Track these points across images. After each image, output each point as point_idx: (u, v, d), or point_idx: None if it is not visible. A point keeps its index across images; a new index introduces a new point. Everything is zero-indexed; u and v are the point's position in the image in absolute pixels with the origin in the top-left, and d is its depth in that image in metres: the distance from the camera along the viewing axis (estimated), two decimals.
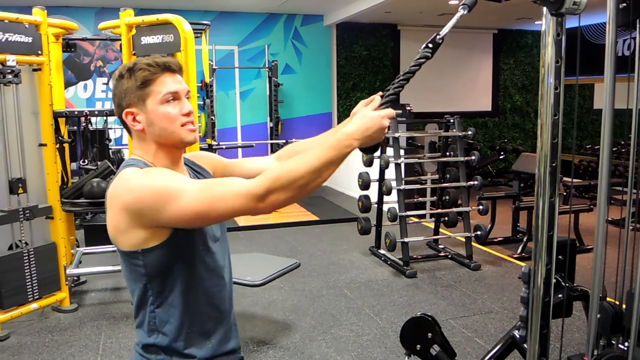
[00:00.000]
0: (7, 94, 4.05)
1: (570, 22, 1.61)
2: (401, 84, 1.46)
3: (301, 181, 1.31)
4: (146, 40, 4.17)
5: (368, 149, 1.43)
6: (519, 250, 5.93)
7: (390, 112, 1.41)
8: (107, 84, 9.15)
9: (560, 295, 2.29)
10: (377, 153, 5.63)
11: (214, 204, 1.32)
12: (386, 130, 1.39)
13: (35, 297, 4.21)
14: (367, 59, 10.48)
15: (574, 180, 8.04)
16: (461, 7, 1.50)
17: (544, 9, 1.50)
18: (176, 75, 1.48)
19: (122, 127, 6.76)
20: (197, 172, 1.65)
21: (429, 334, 2.45)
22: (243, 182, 1.34)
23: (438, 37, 1.48)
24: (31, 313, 4.26)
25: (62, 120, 4.53)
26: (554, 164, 1.52)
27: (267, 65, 9.67)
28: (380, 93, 1.47)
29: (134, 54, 4.26)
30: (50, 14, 4.28)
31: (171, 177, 1.39)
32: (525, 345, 2.27)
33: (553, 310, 1.85)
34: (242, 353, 1.69)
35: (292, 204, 1.36)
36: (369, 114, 1.39)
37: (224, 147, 7.56)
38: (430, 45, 1.48)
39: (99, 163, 4.64)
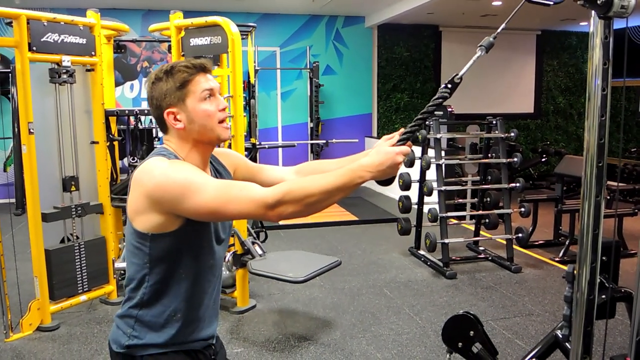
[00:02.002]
0: (62, 93, 4.22)
1: (618, 24, 1.63)
2: (418, 123, 1.55)
3: (311, 199, 1.42)
4: (195, 41, 4.29)
5: (383, 181, 1.52)
6: (560, 254, 5.87)
7: (406, 149, 1.49)
8: None
9: (603, 296, 2.30)
10: (418, 154, 5.67)
11: (228, 205, 1.44)
12: (400, 166, 1.48)
13: (85, 290, 4.38)
14: (408, 60, 10.47)
15: (620, 184, 7.89)
16: (479, 48, 1.57)
17: (592, 11, 1.52)
18: (209, 74, 1.62)
19: None
20: (217, 169, 1.77)
21: (471, 332, 2.48)
22: (258, 189, 1.46)
23: (456, 77, 1.54)
24: (80, 305, 4.42)
25: (112, 119, 4.69)
26: (600, 164, 1.54)
27: (308, 67, 9.77)
28: (402, 130, 1.55)
29: (183, 55, 4.38)
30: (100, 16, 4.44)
31: (193, 172, 1.50)
32: (567, 345, 2.29)
33: (597, 312, 1.86)
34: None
35: (300, 217, 1.47)
36: (385, 149, 1.47)
37: (266, 146, 7.67)
38: (450, 86, 1.54)
39: None
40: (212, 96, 1.59)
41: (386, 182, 1.52)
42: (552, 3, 1.53)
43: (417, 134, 1.52)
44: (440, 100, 1.53)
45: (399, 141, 1.51)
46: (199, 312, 1.68)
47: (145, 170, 1.52)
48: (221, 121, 1.60)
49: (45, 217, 4.03)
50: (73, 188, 4.27)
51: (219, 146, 1.82)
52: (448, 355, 2.55)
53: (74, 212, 4.25)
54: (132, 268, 1.62)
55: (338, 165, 1.73)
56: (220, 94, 1.65)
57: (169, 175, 1.48)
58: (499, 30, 1.54)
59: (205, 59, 1.63)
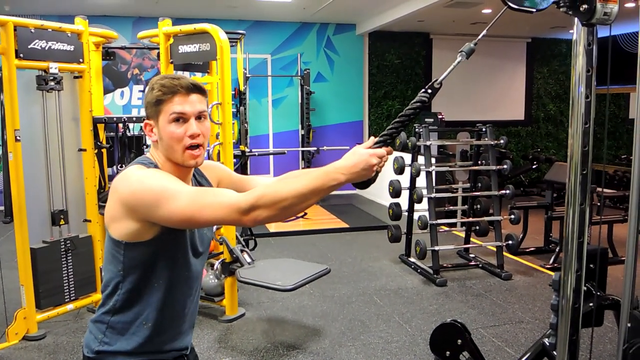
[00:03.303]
0: (50, 100, 4.19)
1: (604, 32, 1.63)
2: (396, 126, 1.52)
3: (284, 203, 1.40)
4: (183, 49, 4.28)
5: (359, 184, 1.50)
6: (551, 261, 5.87)
7: (380, 151, 1.46)
8: (143, 91, 9.36)
9: (590, 304, 2.29)
10: (408, 161, 5.67)
11: (202, 211, 1.43)
12: (375, 168, 1.45)
13: (72, 298, 4.33)
14: (399, 68, 10.51)
15: (609, 190, 7.92)
16: (459, 54, 1.57)
17: (575, 19, 1.52)
18: (189, 96, 1.56)
19: None
20: (200, 182, 1.76)
21: (459, 341, 2.47)
22: (232, 194, 1.45)
23: (436, 82, 1.54)
24: (67, 313, 4.37)
25: (101, 126, 4.66)
26: (584, 172, 1.54)
27: (299, 74, 9.78)
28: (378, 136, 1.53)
29: (171, 62, 4.37)
30: (89, 23, 4.42)
31: (169, 180, 1.49)
32: (555, 353, 2.28)
33: (584, 320, 1.85)
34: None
35: (276, 222, 1.46)
36: (359, 151, 1.46)
37: (256, 153, 7.66)
38: (429, 91, 1.53)
39: None
40: (182, 120, 1.55)
41: (362, 184, 1.50)
42: (534, 10, 1.53)
43: (396, 137, 1.50)
44: (419, 104, 1.51)
45: (375, 144, 1.49)
46: (172, 322, 1.67)
47: (122, 178, 1.53)
48: (188, 147, 1.57)
49: (35, 253, 4.02)
50: (62, 222, 4.31)
51: (209, 157, 1.79)
52: None
53: (63, 246, 4.25)
54: (107, 275, 1.62)
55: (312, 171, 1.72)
56: (203, 118, 1.60)
57: (144, 182, 1.48)
58: (480, 37, 1.54)
59: (188, 79, 1.59)
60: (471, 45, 1.53)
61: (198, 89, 1.59)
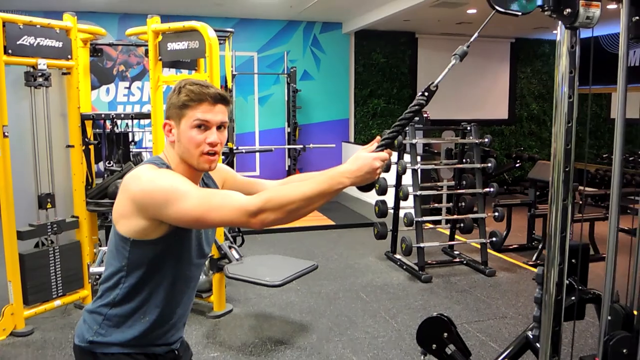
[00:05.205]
0: (38, 96, 4.19)
1: (586, 33, 1.68)
2: (396, 130, 1.59)
3: (291, 206, 1.45)
4: (172, 46, 4.29)
5: (363, 187, 1.57)
6: (534, 258, 5.98)
7: (384, 155, 1.53)
8: (128, 88, 9.33)
9: (572, 298, 2.36)
10: (394, 159, 5.73)
11: (210, 212, 1.47)
12: (378, 171, 1.51)
13: (59, 294, 4.34)
14: (385, 67, 10.57)
15: (591, 189, 8.05)
16: (453, 57, 1.63)
17: (559, 22, 1.58)
18: (215, 107, 1.61)
19: (143, 130, 6.82)
20: (207, 183, 1.81)
21: (445, 334, 2.53)
22: (240, 197, 1.50)
23: (432, 85, 1.59)
24: (54, 310, 4.38)
25: (88, 123, 4.66)
26: (567, 169, 1.60)
27: (285, 72, 9.79)
28: (378, 137, 1.60)
29: (160, 60, 4.38)
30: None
31: (179, 181, 1.54)
32: (538, 345, 2.35)
33: (566, 313, 1.92)
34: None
35: (282, 224, 1.50)
36: (363, 155, 1.52)
37: (243, 151, 7.67)
38: (426, 94, 1.59)
39: (123, 165, 4.76)
40: (205, 127, 1.60)
41: (366, 187, 1.56)
42: (520, 13, 1.58)
43: (393, 142, 1.57)
44: (417, 107, 1.57)
45: (377, 147, 1.55)
46: (168, 319, 1.72)
47: (133, 177, 1.57)
48: (205, 153, 1.61)
49: (21, 235, 4.01)
50: (49, 205, 4.27)
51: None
52: (422, 357, 2.59)
53: (50, 230, 4.24)
54: (109, 269, 1.65)
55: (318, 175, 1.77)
56: (223, 128, 1.65)
57: (155, 182, 1.53)
58: (472, 39, 1.59)
59: (216, 90, 1.62)
60: (464, 48, 1.58)
61: (224, 100, 1.64)
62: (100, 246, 5.01)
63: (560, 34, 1.60)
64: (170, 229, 1.57)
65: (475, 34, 1.64)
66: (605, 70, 3.81)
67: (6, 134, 3.84)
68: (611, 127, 11.45)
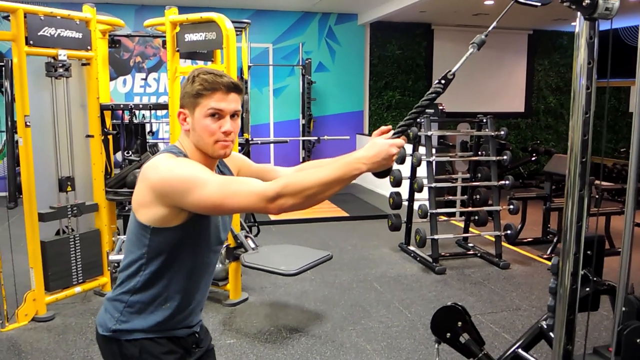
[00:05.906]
0: (58, 87, 4.26)
1: (606, 25, 1.69)
2: (412, 117, 1.61)
3: (309, 192, 1.48)
4: (189, 37, 4.33)
5: (379, 173, 1.59)
6: (548, 251, 5.96)
7: (399, 141, 1.55)
8: (145, 79, 9.40)
9: (587, 289, 2.38)
10: (409, 151, 5.74)
11: (229, 198, 1.51)
12: (394, 157, 1.53)
13: (80, 281, 4.43)
14: (400, 58, 10.55)
15: (607, 183, 8.00)
16: (471, 45, 1.63)
17: (578, 13, 1.59)
18: (229, 95, 1.64)
19: (159, 122, 6.87)
20: (222, 171, 1.85)
21: (459, 323, 2.55)
22: (258, 183, 1.52)
23: (449, 73, 1.60)
24: (75, 296, 4.47)
25: (107, 113, 4.73)
26: (584, 160, 1.61)
27: (300, 63, 9.82)
28: (390, 127, 1.62)
29: (178, 51, 4.43)
30: None
31: (198, 168, 1.57)
32: (552, 334, 2.37)
33: (581, 304, 1.93)
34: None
35: (299, 210, 1.53)
36: (379, 142, 1.54)
37: (259, 142, 7.72)
38: (443, 81, 1.60)
39: (141, 155, 4.82)
40: (218, 116, 1.63)
41: (382, 174, 1.58)
42: (539, 4, 1.59)
43: (409, 129, 1.59)
44: (434, 95, 1.59)
45: (393, 134, 1.57)
46: (188, 304, 1.75)
47: (152, 166, 1.60)
48: (219, 141, 1.64)
49: (42, 217, 4.09)
50: (69, 188, 4.35)
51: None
52: (436, 345, 2.61)
53: (70, 212, 4.31)
54: (129, 256, 1.69)
55: (334, 161, 1.80)
56: (237, 116, 1.67)
57: (173, 170, 1.56)
58: (490, 28, 1.60)
59: (229, 78, 1.65)
60: (482, 36, 1.60)
61: (237, 89, 1.66)
62: (119, 234, 5.08)
63: (579, 25, 1.60)
64: (190, 216, 1.60)
65: (494, 23, 1.66)
66: (624, 63, 3.78)
67: (28, 123, 3.91)
68: (629, 121, 11.32)
